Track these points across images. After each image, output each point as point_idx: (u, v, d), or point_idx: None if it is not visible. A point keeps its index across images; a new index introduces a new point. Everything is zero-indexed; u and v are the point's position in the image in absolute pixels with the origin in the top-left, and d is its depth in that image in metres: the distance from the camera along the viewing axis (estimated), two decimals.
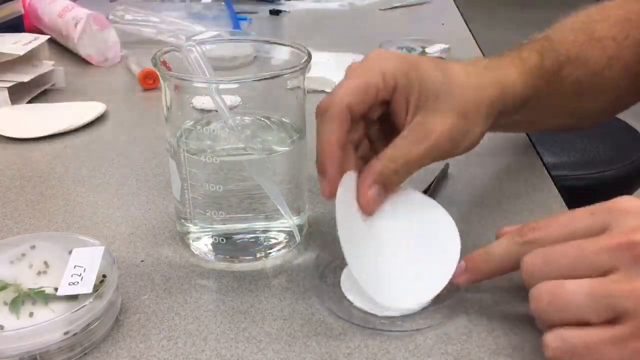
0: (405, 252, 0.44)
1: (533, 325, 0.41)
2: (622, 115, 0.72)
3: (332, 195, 0.42)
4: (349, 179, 0.43)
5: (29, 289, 0.40)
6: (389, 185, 0.44)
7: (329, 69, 0.88)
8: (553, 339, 0.35)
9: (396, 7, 1.38)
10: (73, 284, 0.39)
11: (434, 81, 0.44)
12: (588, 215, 0.37)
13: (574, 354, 0.34)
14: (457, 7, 1.38)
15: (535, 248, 0.38)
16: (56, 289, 0.39)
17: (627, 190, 1.27)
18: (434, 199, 0.55)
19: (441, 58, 0.90)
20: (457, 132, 0.44)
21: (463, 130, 0.44)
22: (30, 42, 0.81)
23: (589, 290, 0.34)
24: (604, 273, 0.34)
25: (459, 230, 0.44)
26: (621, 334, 0.33)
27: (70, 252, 0.42)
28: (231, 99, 0.46)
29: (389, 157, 0.43)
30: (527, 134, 0.71)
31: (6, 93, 0.76)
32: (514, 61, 0.49)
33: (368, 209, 0.43)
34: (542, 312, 0.36)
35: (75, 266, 0.41)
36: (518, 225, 0.41)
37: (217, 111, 0.44)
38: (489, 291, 0.44)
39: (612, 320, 0.33)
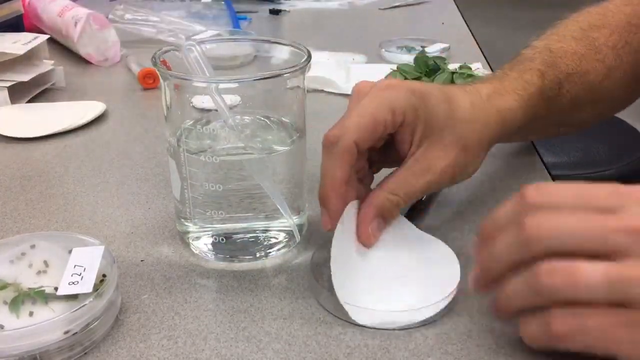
0: (399, 279, 0.44)
1: None
2: (622, 115, 0.72)
3: (333, 228, 0.43)
4: (346, 209, 0.44)
5: (29, 288, 0.40)
6: (389, 217, 0.45)
7: (329, 68, 0.88)
8: (563, 315, 0.34)
9: (396, 7, 1.38)
10: (73, 283, 0.39)
11: (441, 116, 0.45)
12: (601, 191, 0.35)
13: (585, 334, 0.33)
14: (457, 7, 1.38)
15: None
16: (56, 289, 0.39)
17: None
18: (432, 198, 0.56)
19: (441, 57, 0.90)
20: (458, 166, 0.45)
21: (464, 163, 0.46)
22: (30, 41, 0.81)
23: (604, 274, 0.33)
24: (614, 255, 0.33)
25: (458, 233, 0.44)
26: (634, 318, 0.32)
27: (70, 252, 0.42)
28: (231, 99, 0.46)
29: (391, 189, 0.44)
30: None
31: (6, 92, 0.76)
32: (517, 87, 0.49)
33: (369, 242, 0.45)
34: (553, 289, 0.34)
35: (75, 266, 0.41)
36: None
37: (217, 110, 0.44)
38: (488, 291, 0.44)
39: (622, 304, 0.33)
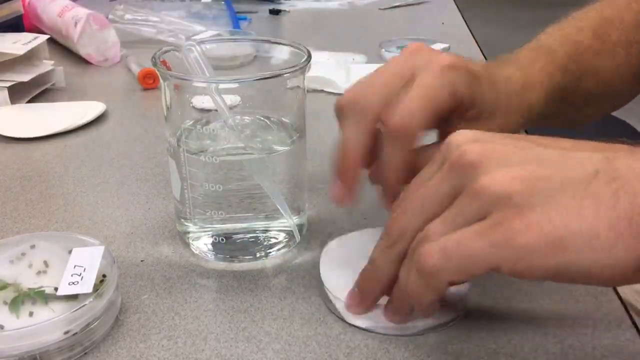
0: None
1: (533, 325, 0.41)
2: (621, 115, 0.72)
3: (346, 201, 0.43)
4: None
5: (29, 288, 0.40)
6: None
7: (329, 68, 0.88)
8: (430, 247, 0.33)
9: (396, 7, 1.38)
10: (73, 283, 0.39)
11: (488, 104, 0.44)
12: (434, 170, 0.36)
13: (447, 254, 0.32)
14: (457, 7, 1.38)
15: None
16: (56, 289, 0.39)
17: None
18: None
19: None
20: None
21: None
22: (30, 41, 0.81)
23: (447, 220, 0.33)
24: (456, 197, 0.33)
25: None
26: (481, 227, 0.31)
27: (70, 252, 0.42)
28: (231, 99, 0.46)
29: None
30: (527, 135, 0.71)
31: (6, 92, 0.76)
32: (543, 79, 0.49)
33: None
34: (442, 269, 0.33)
35: (75, 266, 0.41)
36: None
37: (217, 111, 0.44)
38: (489, 291, 0.44)
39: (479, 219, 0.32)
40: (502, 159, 0.33)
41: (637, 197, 0.29)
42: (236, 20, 1.18)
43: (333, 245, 0.47)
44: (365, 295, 0.40)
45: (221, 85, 0.43)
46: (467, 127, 0.40)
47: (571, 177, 0.31)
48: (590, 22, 0.56)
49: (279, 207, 0.46)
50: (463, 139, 0.35)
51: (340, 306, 0.41)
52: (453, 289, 0.42)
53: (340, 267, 0.45)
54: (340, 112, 0.43)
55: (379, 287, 0.39)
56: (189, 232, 0.49)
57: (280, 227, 0.48)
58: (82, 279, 0.40)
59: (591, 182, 0.30)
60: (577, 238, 0.29)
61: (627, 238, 0.29)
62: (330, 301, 0.42)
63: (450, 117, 0.43)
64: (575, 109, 0.55)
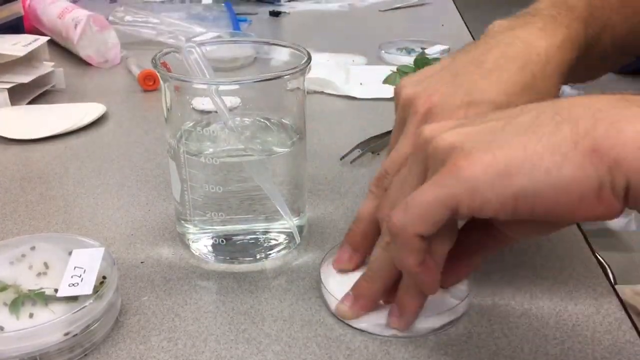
0: None
1: (533, 327, 0.41)
2: None
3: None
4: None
5: (29, 290, 0.40)
6: None
7: (329, 70, 0.88)
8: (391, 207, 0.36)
9: (396, 8, 1.38)
10: (73, 285, 0.39)
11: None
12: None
13: (407, 209, 0.34)
14: (457, 8, 1.38)
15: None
16: (56, 290, 0.39)
17: None
18: None
19: (440, 59, 0.90)
20: None
21: None
22: (30, 43, 0.81)
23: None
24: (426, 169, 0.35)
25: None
26: (434, 177, 0.33)
27: (70, 253, 0.42)
28: (231, 100, 0.46)
29: None
30: None
31: (6, 94, 0.76)
32: (567, 38, 0.47)
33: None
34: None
35: (75, 267, 0.41)
36: None
37: (217, 112, 0.44)
38: (488, 292, 0.44)
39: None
40: (459, 128, 0.34)
41: (579, 122, 0.30)
42: (236, 21, 1.18)
43: (335, 249, 0.47)
44: (359, 294, 0.41)
45: (221, 87, 0.43)
46: None
47: (516, 121, 0.32)
48: None
49: (279, 208, 0.46)
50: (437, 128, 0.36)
51: (335, 304, 0.41)
52: (453, 290, 0.42)
53: (341, 271, 0.45)
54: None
55: (374, 286, 0.40)
56: (189, 234, 0.49)
57: (280, 228, 0.48)
58: (82, 280, 0.40)
59: (534, 121, 0.31)
60: (521, 164, 0.30)
61: (574, 157, 0.29)
62: (330, 303, 0.42)
63: None
64: (595, 64, 0.54)
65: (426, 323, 0.40)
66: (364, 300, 0.40)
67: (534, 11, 0.49)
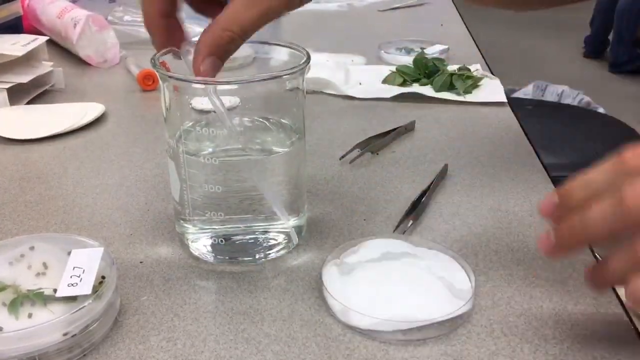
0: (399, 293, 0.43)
1: (532, 326, 0.41)
2: (620, 116, 0.72)
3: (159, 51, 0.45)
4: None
5: (28, 290, 0.40)
6: (225, 55, 0.42)
7: (328, 70, 0.88)
8: None
9: (395, 8, 1.38)
10: (72, 285, 0.39)
11: None
12: None
13: None
14: (456, 8, 1.38)
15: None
16: (55, 290, 0.39)
17: None
18: (432, 199, 0.56)
19: (440, 59, 0.90)
20: None
21: None
22: (29, 43, 0.81)
23: None
24: None
25: (457, 234, 0.44)
26: None
27: (69, 253, 0.42)
28: (230, 100, 0.46)
29: (223, 26, 0.41)
30: (527, 136, 0.71)
31: (5, 94, 0.76)
32: None
33: (205, 77, 0.42)
34: None
35: (74, 267, 0.41)
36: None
37: (215, 112, 0.44)
38: (488, 292, 0.44)
39: None
40: None
41: None
42: None
43: (339, 250, 0.47)
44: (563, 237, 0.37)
45: (220, 87, 0.43)
46: None
47: None
48: None
49: (275, 210, 0.46)
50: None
51: (339, 308, 0.41)
52: (458, 291, 0.42)
53: (343, 271, 0.45)
54: None
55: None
56: (188, 234, 0.49)
57: (279, 228, 0.48)
58: (81, 280, 0.40)
59: None
60: None
61: None
62: (332, 304, 0.42)
63: None
64: None
65: (427, 332, 0.40)
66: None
67: None
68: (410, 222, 0.52)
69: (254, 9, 0.41)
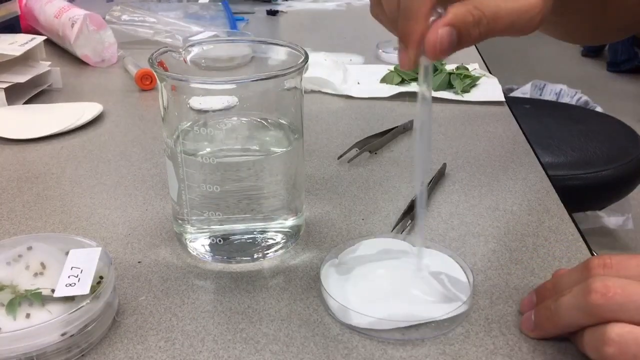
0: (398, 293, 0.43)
1: None
2: (619, 116, 0.71)
3: (412, 65, 0.39)
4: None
5: (26, 290, 0.40)
6: (464, 36, 0.37)
7: (326, 69, 0.88)
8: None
9: None
10: (70, 285, 0.39)
11: None
12: None
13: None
14: None
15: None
16: (53, 290, 0.39)
17: (624, 190, 1.28)
18: (430, 198, 0.56)
19: None
20: (545, 6, 0.39)
21: (546, 7, 0.39)
22: (26, 42, 0.81)
23: None
24: None
25: (456, 233, 0.44)
26: None
27: (67, 253, 0.42)
28: (228, 100, 0.46)
29: (476, 3, 0.37)
30: (525, 135, 0.71)
31: (2, 94, 0.76)
32: None
33: (432, 50, 0.37)
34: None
35: (72, 267, 0.41)
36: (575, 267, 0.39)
37: (214, 112, 0.44)
38: (486, 291, 0.44)
39: None
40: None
41: None
42: (233, 21, 1.18)
43: (337, 250, 0.47)
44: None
45: (218, 87, 0.43)
46: None
47: None
48: None
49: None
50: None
51: (337, 307, 0.41)
52: (457, 291, 0.42)
53: (341, 271, 0.45)
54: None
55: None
56: (186, 233, 0.49)
57: (277, 228, 0.48)
58: (79, 280, 0.40)
59: None
60: None
61: None
62: (330, 305, 0.42)
63: None
64: (591, 10, 0.54)
65: (424, 332, 0.40)
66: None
67: None
68: (409, 221, 0.52)
69: (511, 4, 0.37)
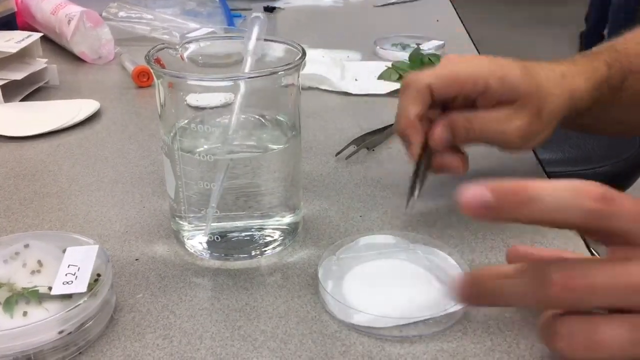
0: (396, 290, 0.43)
1: (529, 322, 0.41)
2: None
3: (416, 158, 0.49)
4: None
5: (23, 288, 0.40)
6: (456, 135, 0.48)
7: (324, 66, 0.88)
8: None
9: (391, 4, 1.38)
10: (67, 283, 0.39)
11: (524, 87, 0.48)
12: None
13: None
14: (452, 3, 1.38)
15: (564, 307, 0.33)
16: (50, 288, 0.39)
17: (622, 186, 1.28)
18: (428, 193, 0.55)
19: (435, 54, 0.90)
20: (531, 130, 0.49)
21: (536, 129, 0.49)
22: (23, 39, 0.81)
23: (632, 335, 0.31)
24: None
25: (454, 230, 0.44)
26: None
27: (64, 251, 0.42)
28: (225, 97, 0.46)
29: (468, 117, 0.48)
30: None
31: None
32: (586, 70, 0.52)
33: (436, 141, 0.48)
34: (571, 353, 0.33)
35: (69, 265, 0.41)
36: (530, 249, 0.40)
37: (211, 109, 0.44)
38: None
39: None
40: None
41: None
42: (230, 17, 1.17)
43: (335, 247, 0.47)
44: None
45: (215, 83, 0.43)
46: (498, 110, 0.48)
47: None
48: (637, 35, 0.58)
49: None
50: None
51: (335, 305, 0.41)
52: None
53: (339, 268, 0.45)
54: (400, 90, 0.50)
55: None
56: (183, 231, 0.48)
57: (275, 225, 0.48)
58: (76, 278, 0.39)
59: None
60: None
61: None
62: (328, 302, 0.42)
63: (482, 99, 0.48)
64: (625, 109, 0.57)
65: (422, 329, 0.40)
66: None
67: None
68: (417, 191, 0.49)
69: (498, 126, 0.48)
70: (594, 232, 0.34)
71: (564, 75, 0.51)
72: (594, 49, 0.57)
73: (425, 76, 0.48)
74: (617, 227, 0.32)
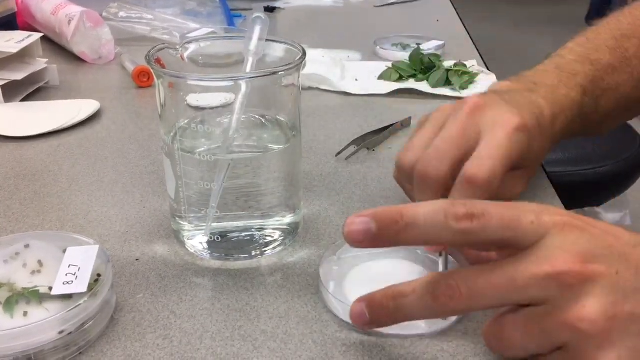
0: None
1: None
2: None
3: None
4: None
5: (23, 288, 0.40)
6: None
7: (324, 66, 0.88)
8: None
9: (391, 4, 1.38)
10: (67, 283, 0.39)
11: (532, 154, 0.47)
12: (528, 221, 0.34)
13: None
14: (452, 3, 1.38)
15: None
16: (50, 288, 0.39)
17: (622, 186, 1.28)
18: None
19: (436, 54, 0.90)
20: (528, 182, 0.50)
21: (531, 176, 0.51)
22: (23, 39, 0.81)
23: (524, 329, 0.34)
24: (536, 302, 0.33)
25: None
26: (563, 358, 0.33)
27: (64, 251, 0.42)
28: (226, 97, 0.46)
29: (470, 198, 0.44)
30: None
31: None
32: (566, 106, 0.51)
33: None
34: (498, 351, 0.36)
35: (69, 265, 0.41)
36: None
37: (211, 109, 0.44)
38: None
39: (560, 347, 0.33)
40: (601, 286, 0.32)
41: None
42: (230, 17, 1.18)
43: (335, 247, 0.47)
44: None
45: (215, 84, 0.43)
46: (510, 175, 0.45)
47: None
48: (607, 38, 0.57)
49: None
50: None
51: (336, 304, 0.41)
52: None
53: (340, 268, 0.45)
54: (404, 175, 0.47)
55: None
56: (184, 231, 0.48)
57: (275, 225, 0.48)
58: (76, 278, 0.39)
59: None
60: None
61: None
62: (329, 301, 0.42)
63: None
64: (594, 125, 0.57)
65: (427, 321, 0.40)
66: None
67: (536, 77, 0.53)
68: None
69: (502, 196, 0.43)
70: (471, 245, 0.37)
71: (552, 121, 0.49)
72: (569, 63, 0.55)
73: (493, 179, 0.43)
74: (489, 239, 0.34)
